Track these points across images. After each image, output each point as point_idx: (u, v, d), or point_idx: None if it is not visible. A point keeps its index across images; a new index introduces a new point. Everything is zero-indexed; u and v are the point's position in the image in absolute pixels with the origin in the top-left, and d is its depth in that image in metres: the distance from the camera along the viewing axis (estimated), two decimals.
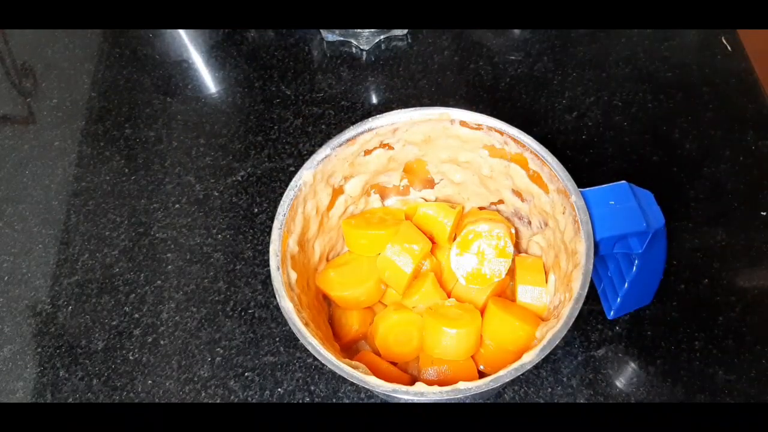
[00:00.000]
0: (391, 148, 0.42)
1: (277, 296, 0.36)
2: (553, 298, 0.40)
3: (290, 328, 0.35)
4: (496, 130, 0.40)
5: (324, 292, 0.43)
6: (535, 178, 0.41)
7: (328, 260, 0.44)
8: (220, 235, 0.52)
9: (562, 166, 0.38)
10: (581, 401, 0.43)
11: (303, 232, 0.40)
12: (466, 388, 0.32)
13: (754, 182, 0.51)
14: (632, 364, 0.44)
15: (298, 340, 0.34)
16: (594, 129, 0.55)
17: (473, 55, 0.60)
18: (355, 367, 0.34)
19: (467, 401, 0.40)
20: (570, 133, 0.55)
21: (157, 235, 0.53)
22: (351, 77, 0.60)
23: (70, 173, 0.57)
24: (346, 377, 0.33)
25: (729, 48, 0.58)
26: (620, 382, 0.44)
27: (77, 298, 0.50)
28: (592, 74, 0.58)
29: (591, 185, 0.37)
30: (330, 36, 0.62)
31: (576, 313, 0.33)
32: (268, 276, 0.37)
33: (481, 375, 0.39)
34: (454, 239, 0.42)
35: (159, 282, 0.51)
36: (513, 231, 0.43)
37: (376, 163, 0.43)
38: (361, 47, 0.62)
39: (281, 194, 0.39)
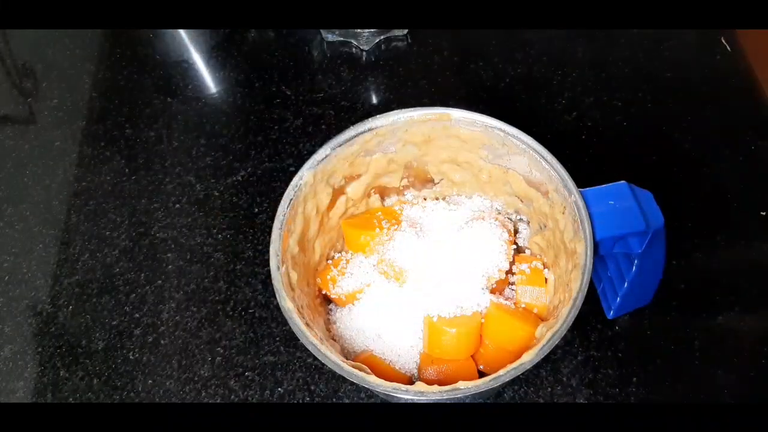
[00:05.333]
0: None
1: (277, 296, 0.36)
2: (553, 298, 0.40)
3: (290, 328, 0.35)
4: (496, 130, 0.40)
5: (324, 292, 0.43)
6: (534, 182, 0.41)
7: (328, 260, 0.44)
8: (220, 235, 0.52)
9: (561, 166, 0.38)
10: (581, 401, 0.43)
11: (303, 232, 0.40)
12: (466, 388, 0.32)
13: (754, 182, 0.51)
14: (632, 364, 0.44)
15: (298, 340, 0.34)
16: (594, 129, 0.55)
17: (473, 55, 0.60)
18: (355, 367, 0.34)
19: (467, 401, 0.40)
20: (570, 133, 0.55)
21: (157, 235, 0.53)
22: (351, 77, 0.60)
23: (70, 173, 0.57)
24: (346, 377, 0.33)
25: (729, 48, 0.58)
26: (620, 382, 0.44)
27: (77, 298, 0.50)
28: (592, 74, 0.58)
29: (591, 185, 0.37)
30: (330, 36, 0.62)
31: (576, 313, 0.33)
32: (269, 276, 0.37)
33: (481, 375, 0.39)
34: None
35: (159, 282, 0.51)
36: (512, 229, 0.44)
37: (376, 165, 0.43)
38: (361, 47, 0.62)
39: (281, 194, 0.39)
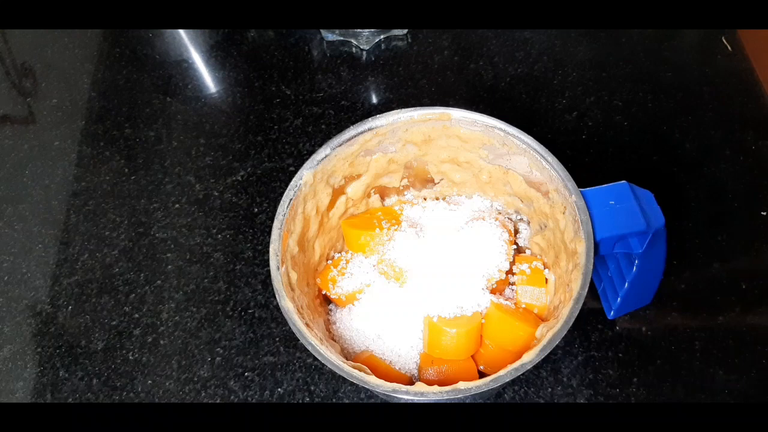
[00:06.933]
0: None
1: (277, 296, 0.36)
2: (553, 298, 0.40)
3: (290, 328, 0.35)
4: (497, 130, 0.40)
5: (324, 293, 0.43)
6: (534, 182, 0.41)
7: (328, 260, 0.44)
8: (220, 235, 0.52)
9: (562, 165, 0.38)
10: (581, 401, 0.43)
11: (303, 232, 0.40)
12: (466, 388, 0.32)
13: (754, 182, 0.51)
14: (632, 364, 0.44)
15: (298, 340, 0.34)
16: (594, 129, 0.55)
17: (473, 55, 0.60)
18: (355, 368, 0.34)
19: (467, 401, 0.40)
20: (570, 133, 0.55)
21: (157, 235, 0.53)
22: (351, 77, 0.60)
23: (70, 173, 0.57)
24: (346, 377, 0.33)
25: (729, 48, 0.58)
26: (620, 382, 0.44)
27: (77, 298, 0.50)
28: (592, 74, 0.58)
29: (591, 185, 0.37)
30: (330, 36, 0.62)
31: (576, 313, 0.33)
32: (268, 276, 0.37)
33: (481, 375, 0.39)
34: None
35: (159, 282, 0.51)
36: (512, 229, 0.44)
37: (376, 165, 0.43)
38: (361, 47, 0.62)
39: (281, 194, 0.39)
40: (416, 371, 0.41)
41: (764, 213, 0.49)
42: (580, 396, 0.43)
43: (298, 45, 0.63)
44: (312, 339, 0.34)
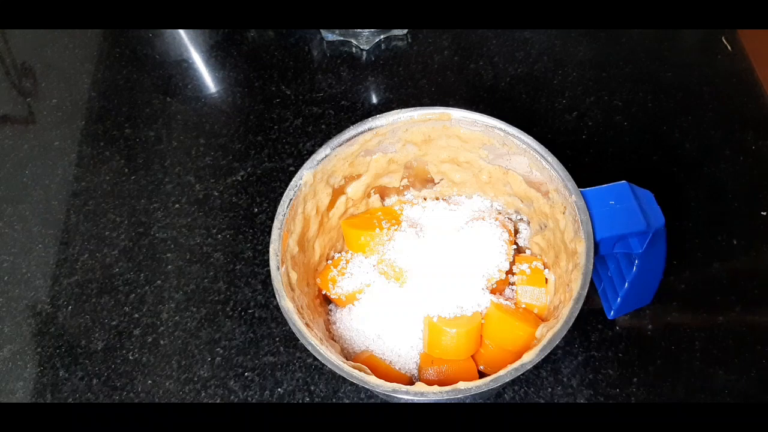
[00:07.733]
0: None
1: (277, 296, 0.36)
2: (553, 298, 0.40)
3: (290, 328, 0.35)
4: (497, 130, 0.40)
5: (324, 293, 0.43)
6: (534, 182, 0.41)
7: (328, 260, 0.44)
8: (220, 235, 0.52)
9: (562, 165, 0.38)
10: (581, 401, 0.43)
11: (303, 232, 0.40)
12: (466, 388, 0.32)
13: (754, 182, 0.51)
14: (632, 364, 0.44)
15: (298, 340, 0.34)
16: (594, 129, 0.55)
17: (473, 55, 0.60)
18: (355, 368, 0.34)
19: (467, 401, 0.40)
20: (570, 133, 0.55)
21: (157, 235, 0.53)
22: (351, 77, 0.60)
23: (70, 173, 0.57)
24: (346, 377, 0.33)
25: (729, 48, 0.58)
26: (620, 383, 0.44)
27: (77, 298, 0.50)
28: (592, 74, 0.58)
29: (591, 185, 0.37)
30: (330, 36, 0.62)
31: (576, 313, 0.33)
32: (268, 276, 0.37)
33: (481, 375, 0.39)
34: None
35: (159, 282, 0.51)
36: (512, 229, 0.44)
37: (376, 165, 0.43)
38: (361, 47, 0.62)
39: (281, 194, 0.39)
40: (416, 371, 0.41)
41: (764, 213, 0.49)
42: (580, 396, 0.43)
43: (298, 45, 0.63)
44: (312, 339, 0.34)
